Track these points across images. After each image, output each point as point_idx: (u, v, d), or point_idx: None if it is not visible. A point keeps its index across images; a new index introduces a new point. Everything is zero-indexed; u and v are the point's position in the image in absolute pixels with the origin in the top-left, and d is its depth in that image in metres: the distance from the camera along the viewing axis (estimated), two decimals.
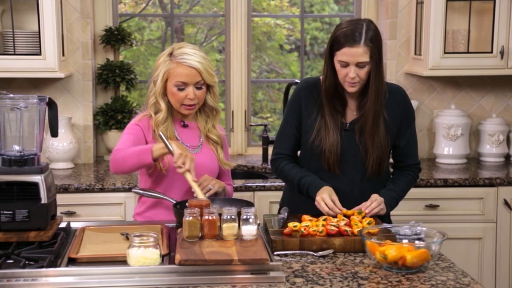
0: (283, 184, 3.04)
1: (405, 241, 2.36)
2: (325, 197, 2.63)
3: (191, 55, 2.74)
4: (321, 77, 2.77)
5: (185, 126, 2.85)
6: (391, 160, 2.84)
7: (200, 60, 2.74)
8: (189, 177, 2.59)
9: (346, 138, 2.71)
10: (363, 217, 2.58)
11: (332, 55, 2.66)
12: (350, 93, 2.71)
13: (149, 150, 2.59)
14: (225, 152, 2.93)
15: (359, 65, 2.60)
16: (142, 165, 2.65)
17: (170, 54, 2.76)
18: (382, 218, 2.72)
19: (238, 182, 3.71)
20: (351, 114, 2.74)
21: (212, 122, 2.88)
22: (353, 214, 2.59)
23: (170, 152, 2.57)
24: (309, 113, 2.75)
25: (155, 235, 2.18)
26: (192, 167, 2.58)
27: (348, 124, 2.72)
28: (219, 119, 2.93)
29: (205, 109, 2.87)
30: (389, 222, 2.81)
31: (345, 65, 2.62)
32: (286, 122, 2.82)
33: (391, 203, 2.73)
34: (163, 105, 2.77)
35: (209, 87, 2.81)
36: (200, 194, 2.61)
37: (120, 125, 4.10)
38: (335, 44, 2.63)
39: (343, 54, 2.61)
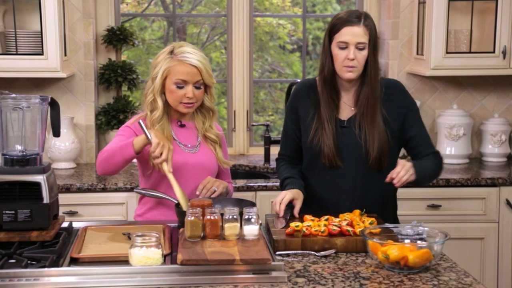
0: None
1: (407, 241, 2.36)
2: (278, 199, 2.66)
3: (193, 54, 2.75)
4: (317, 78, 2.78)
5: (182, 126, 2.86)
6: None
7: (201, 59, 2.76)
8: (166, 167, 2.59)
9: (344, 134, 2.71)
10: (362, 214, 2.59)
11: (331, 42, 2.68)
12: (346, 87, 2.71)
13: (130, 143, 2.60)
14: (224, 150, 2.93)
15: (358, 46, 2.63)
16: (126, 159, 2.62)
17: (171, 52, 2.76)
18: (385, 218, 2.72)
19: (240, 182, 3.71)
20: (349, 110, 2.74)
21: (209, 122, 2.88)
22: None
23: (149, 142, 2.57)
24: (306, 114, 2.76)
25: (157, 235, 2.18)
26: (169, 157, 2.57)
27: (345, 121, 2.73)
28: (216, 119, 2.93)
29: (202, 110, 2.88)
30: (396, 220, 2.81)
31: (345, 46, 2.63)
32: (286, 125, 2.87)
33: (420, 170, 2.62)
34: (160, 103, 2.77)
35: (206, 88, 2.82)
36: (175, 186, 2.61)
37: (122, 125, 4.10)
38: (333, 28, 2.67)
39: (343, 35, 2.63)
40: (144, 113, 2.82)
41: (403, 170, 2.56)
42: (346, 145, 2.71)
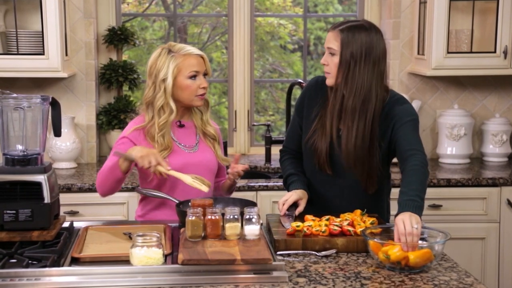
0: None
1: None
2: (282, 200, 2.66)
3: (192, 47, 2.82)
4: None
5: (181, 126, 2.86)
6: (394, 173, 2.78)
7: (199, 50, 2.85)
8: (163, 169, 2.59)
9: (336, 143, 2.66)
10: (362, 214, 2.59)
11: None
12: None
13: (117, 165, 2.63)
14: (221, 147, 2.94)
15: (330, 51, 2.60)
16: (118, 179, 2.68)
17: (169, 52, 2.77)
18: (385, 216, 2.71)
19: (241, 182, 3.71)
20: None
21: (206, 116, 2.89)
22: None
23: (133, 161, 2.60)
24: (309, 113, 2.75)
25: (158, 235, 2.18)
26: (159, 159, 2.58)
27: (341, 130, 2.68)
28: (210, 110, 2.94)
29: None
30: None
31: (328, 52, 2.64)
32: (293, 120, 2.86)
33: (415, 208, 2.34)
34: (173, 105, 2.77)
35: None
36: (182, 177, 2.62)
37: (123, 125, 4.10)
38: None
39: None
40: (145, 122, 2.79)
41: (408, 236, 2.23)
42: (335, 155, 2.68)
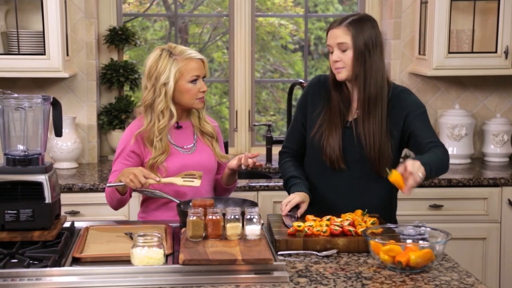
0: None
1: (409, 241, 2.36)
2: (286, 201, 2.67)
3: (192, 50, 2.84)
4: None
5: (179, 127, 2.86)
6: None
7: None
8: (153, 181, 2.63)
9: (346, 135, 2.70)
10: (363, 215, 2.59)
11: None
12: (353, 89, 2.70)
13: (114, 190, 2.72)
14: (220, 144, 2.94)
15: (341, 47, 2.63)
16: (120, 199, 2.76)
17: (171, 55, 2.77)
18: (389, 218, 2.72)
19: (242, 182, 3.71)
20: (355, 112, 2.73)
21: (202, 113, 2.91)
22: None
23: (126, 186, 2.67)
24: (314, 109, 2.76)
25: (159, 235, 2.18)
26: (146, 174, 2.61)
27: (349, 122, 2.72)
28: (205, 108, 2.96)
29: None
30: (395, 221, 2.81)
31: (332, 50, 2.66)
32: (294, 118, 2.86)
33: (426, 162, 2.42)
34: (173, 109, 2.78)
35: None
36: (172, 180, 2.68)
37: (124, 125, 4.11)
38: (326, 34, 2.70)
39: (327, 39, 2.67)
40: (144, 126, 2.79)
41: (411, 176, 2.32)
42: (347, 146, 2.70)
